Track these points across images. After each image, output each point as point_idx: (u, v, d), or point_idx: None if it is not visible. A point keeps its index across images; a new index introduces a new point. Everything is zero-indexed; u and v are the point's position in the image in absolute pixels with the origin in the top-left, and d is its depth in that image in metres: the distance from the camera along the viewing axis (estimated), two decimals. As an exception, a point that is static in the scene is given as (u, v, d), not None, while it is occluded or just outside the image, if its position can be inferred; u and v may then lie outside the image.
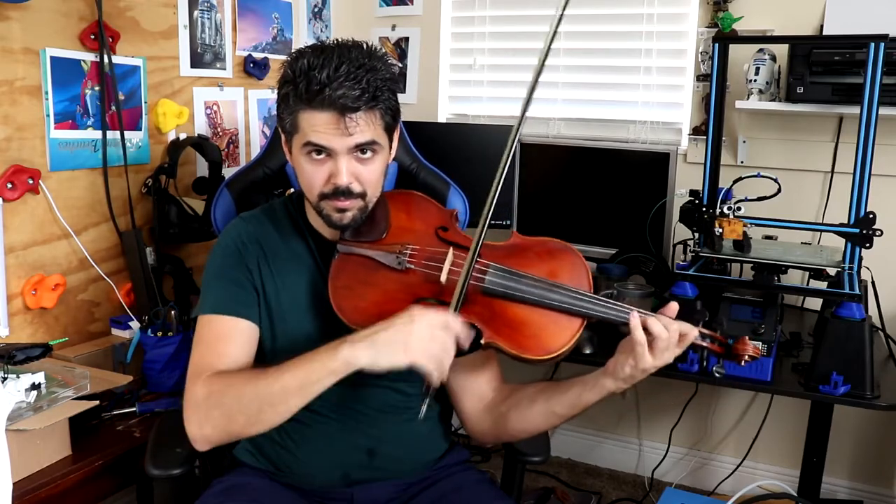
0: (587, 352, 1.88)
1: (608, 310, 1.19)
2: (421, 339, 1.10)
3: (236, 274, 1.30)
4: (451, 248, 1.27)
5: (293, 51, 1.25)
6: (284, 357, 1.28)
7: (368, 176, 1.24)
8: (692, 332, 1.17)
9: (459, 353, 1.28)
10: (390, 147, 1.29)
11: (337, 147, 1.19)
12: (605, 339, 1.84)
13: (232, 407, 1.16)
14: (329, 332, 1.29)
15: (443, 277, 1.23)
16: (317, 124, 1.18)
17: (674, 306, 1.18)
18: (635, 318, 1.16)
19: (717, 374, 1.68)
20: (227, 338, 1.26)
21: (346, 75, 1.15)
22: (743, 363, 1.22)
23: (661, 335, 1.14)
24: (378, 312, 1.20)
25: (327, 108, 1.17)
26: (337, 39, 1.23)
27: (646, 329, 1.15)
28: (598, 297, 1.20)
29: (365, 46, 1.22)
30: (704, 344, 1.20)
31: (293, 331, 1.31)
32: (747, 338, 1.22)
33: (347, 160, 1.21)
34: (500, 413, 1.34)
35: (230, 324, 1.27)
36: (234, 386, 1.17)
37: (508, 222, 2.41)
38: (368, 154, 1.23)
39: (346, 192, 1.22)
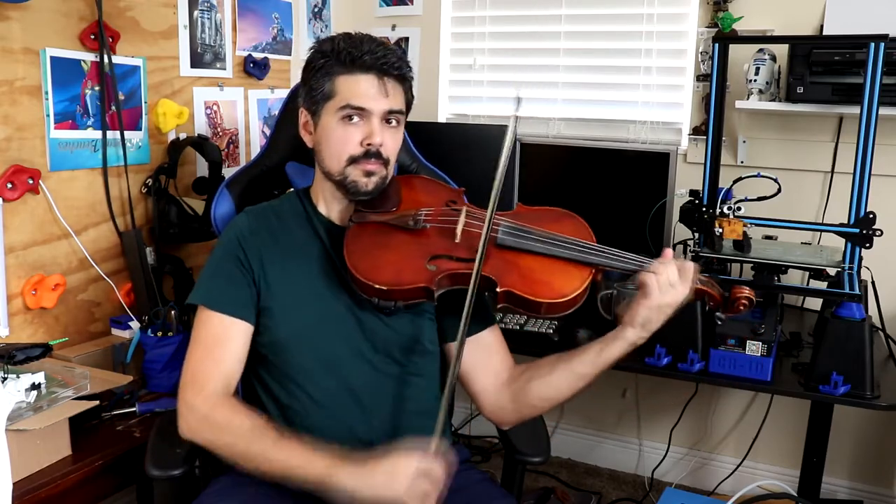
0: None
1: (617, 259, 1.25)
2: (408, 478, 1.11)
3: (234, 271, 1.34)
4: (465, 209, 1.34)
5: (321, 39, 1.36)
6: (297, 344, 1.33)
7: (393, 145, 1.34)
8: (688, 265, 1.22)
9: (473, 329, 1.36)
10: (404, 125, 1.39)
11: (374, 108, 1.29)
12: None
13: (221, 447, 1.24)
14: (336, 309, 1.34)
15: (458, 230, 1.29)
16: (357, 87, 1.29)
17: (669, 251, 1.25)
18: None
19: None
20: (223, 340, 1.31)
21: (379, 47, 1.30)
22: (743, 309, 1.25)
23: (662, 269, 1.21)
24: (394, 269, 1.26)
25: (368, 70, 1.29)
26: (358, 32, 1.34)
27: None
28: (605, 248, 1.27)
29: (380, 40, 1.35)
30: (706, 288, 1.25)
31: (303, 316, 1.33)
32: (742, 285, 1.26)
33: (379, 124, 1.30)
34: (519, 386, 1.36)
35: (226, 324, 1.31)
36: (230, 433, 1.23)
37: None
38: (394, 123, 1.33)
39: (377, 154, 1.30)
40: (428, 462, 1.13)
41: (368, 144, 1.29)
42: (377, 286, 1.25)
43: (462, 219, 1.31)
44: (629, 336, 1.23)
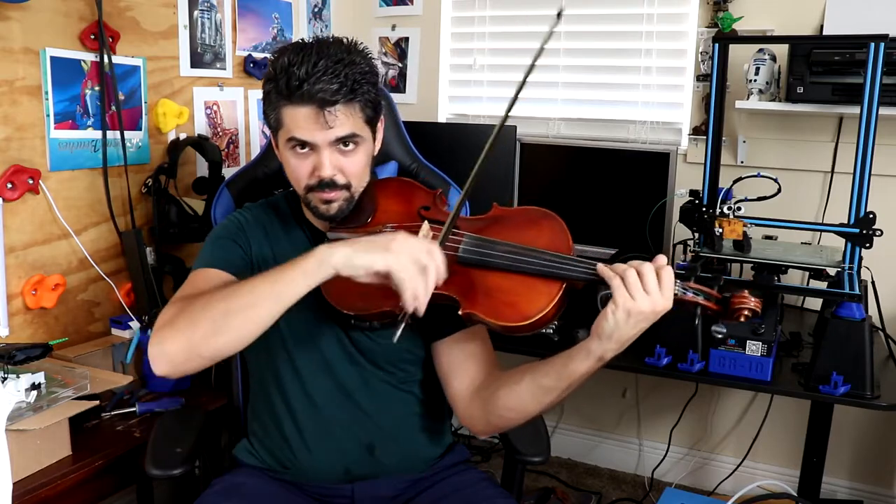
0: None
1: (584, 269, 1.14)
2: (402, 249, 1.07)
3: (233, 240, 1.33)
4: (426, 221, 1.27)
5: (275, 49, 1.28)
6: (293, 348, 1.32)
7: (352, 168, 1.27)
8: (666, 270, 1.07)
9: (445, 331, 1.31)
10: (374, 139, 1.32)
11: (318, 140, 1.23)
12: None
13: (198, 313, 1.11)
14: (328, 321, 1.33)
15: None
16: (298, 119, 1.22)
17: (662, 257, 1.11)
18: (602, 266, 1.11)
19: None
20: (213, 284, 1.25)
21: (323, 70, 1.19)
22: (744, 319, 1.11)
23: (628, 272, 1.07)
24: (360, 293, 1.20)
25: (307, 102, 1.21)
26: (317, 37, 1.27)
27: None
28: (575, 258, 1.16)
29: (345, 42, 1.26)
30: (698, 300, 1.11)
31: (298, 322, 1.32)
32: (747, 291, 1.11)
33: (330, 153, 1.24)
34: (489, 394, 1.28)
35: (219, 275, 1.28)
36: (204, 295, 1.15)
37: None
38: (350, 146, 1.26)
39: (331, 184, 1.26)
40: (431, 243, 1.09)
41: (319, 176, 1.25)
42: (346, 312, 1.23)
43: (423, 232, 1.24)
44: (594, 349, 1.11)
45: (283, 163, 1.31)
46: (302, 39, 1.26)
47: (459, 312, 1.17)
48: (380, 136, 1.35)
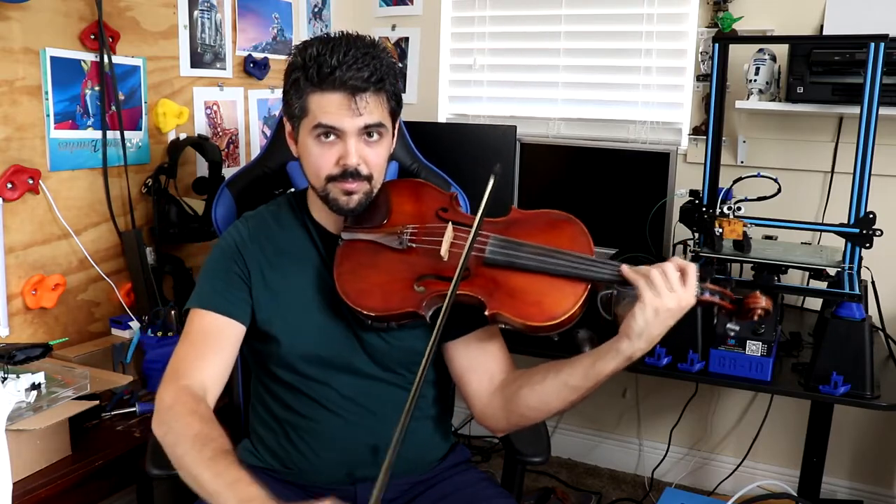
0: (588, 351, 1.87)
1: (608, 271, 1.17)
2: None
3: (231, 272, 1.33)
4: (450, 223, 1.28)
5: (299, 42, 1.29)
6: (296, 353, 1.31)
7: (375, 159, 1.27)
8: (689, 266, 1.13)
9: (462, 331, 1.31)
10: (393, 134, 1.33)
11: (347, 127, 1.23)
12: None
13: (167, 445, 1.18)
14: (336, 324, 1.32)
15: (443, 251, 1.24)
16: (327, 105, 1.22)
17: (676, 259, 1.17)
18: (626, 268, 1.16)
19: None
20: (212, 338, 1.28)
21: (354, 59, 1.21)
22: (756, 318, 1.17)
23: (652, 272, 1.12)
24: (382, 293, 1.23)
25: (338, 88, 1.21)
26: (341, 31, 1.28)
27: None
28: (599, 260, 1.19)
29: (367, 38, 1.27)
30: (715, 300, 1.17)
31: (302, 324, 1.32)
32: (759, 291, 1.18)
33: (356, 142, 1.25)
34: (511, 392, 1.29)
35: (217, 322, 1.29)
36: (177, 432, 1.17)
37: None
38: (375, 137, 1.26)
39: (355, 174, 1.25)
40: None
41: (344, 164, 1.24)
42: (366, 312, 1.23)
43: (448, 235, 1.25)
44: (623, 349, 1.14)
45: (301, 154, 1.30)
46: (326, 34, 1.27)
47: (486, 313, 1.18)
48: (396, 134, 1.35)
